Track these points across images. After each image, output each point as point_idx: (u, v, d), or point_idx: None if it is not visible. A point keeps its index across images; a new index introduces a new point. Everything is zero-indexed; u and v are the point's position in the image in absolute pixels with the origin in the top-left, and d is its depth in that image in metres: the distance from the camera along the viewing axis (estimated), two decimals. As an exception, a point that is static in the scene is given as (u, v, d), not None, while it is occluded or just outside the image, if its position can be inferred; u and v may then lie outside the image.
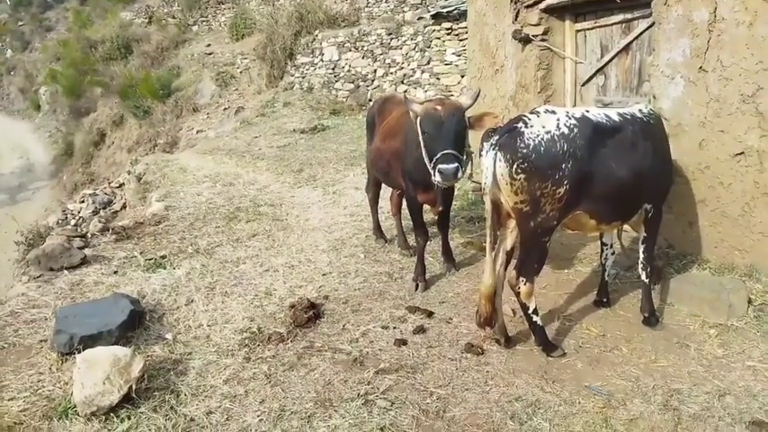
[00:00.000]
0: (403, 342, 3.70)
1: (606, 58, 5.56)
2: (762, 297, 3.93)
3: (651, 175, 3.56)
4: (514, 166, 3.23)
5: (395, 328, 3.92)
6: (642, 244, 3.87)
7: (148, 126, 17.99)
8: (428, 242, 4.85)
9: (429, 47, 12.44)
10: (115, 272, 4.88)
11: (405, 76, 13.29)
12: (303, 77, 15.54)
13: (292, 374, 3.39)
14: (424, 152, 4.02)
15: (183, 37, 22.59)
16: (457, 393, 3.17)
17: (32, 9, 40.49)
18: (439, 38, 11.82)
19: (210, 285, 4.65)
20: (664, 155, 3.78)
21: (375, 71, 13.99)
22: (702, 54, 4.31)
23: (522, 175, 3.22)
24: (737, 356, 3.43)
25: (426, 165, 4.00)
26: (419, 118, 4.06)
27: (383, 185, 5.61)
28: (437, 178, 3.90)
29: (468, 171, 4.24)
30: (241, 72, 18.18)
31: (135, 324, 3.83)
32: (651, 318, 3.85)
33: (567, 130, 3.26)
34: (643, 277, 3.88)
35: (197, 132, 15.76)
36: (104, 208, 9.38)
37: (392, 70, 13.60)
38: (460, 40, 11.14)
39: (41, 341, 3.71)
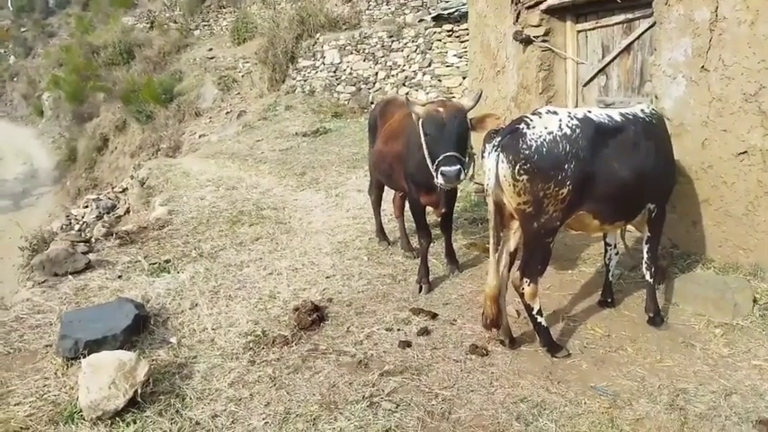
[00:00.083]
0: (407, 344, 3.70)
1: (608, 59, 5.56)
2: (767, 296, 3.92)
3: (654, 174, 3.55)
4: (517, 168, 3.23)
5: (399, 330, 3.92)
6: (646, 244, 3.87)
7: (151, 131, 18.05)
8: (431, 244, 4.86)
9: (430, 49, 12.45)
10: (119, 276, 4.89)
11: (406, 78, 13.30)
12: (305, 81, 15.57)
13: (297, 377, 3.39)
14: (426, 154, 4.03)
15: (184, 41, 22.68)
16: (462, 395, 3.17)
17: (35, 15, 40.71)
18: (440, 40, 11.82)
19: (214, 289, 4.65)
20: (666, 155, 3.78)
21: (376, 74, 14.01)
22: (704, 53, 4.31)
23: (525, 177, 3.22)
24: (743, 355, 3.42)
25: (429, 167, 4.01)
26: (421, 120, 4.06)
27: (386, 188, 5.62)
28: (440, 180, 3.90)
29: (471, 172, 4.24)
30: (243, 76, 18.23)
31: (140, 328, 3.84)
32: (656, 317, 3.84)
33: (569, 131, 3.26)
34: (647, 277, 3.88)
35: (199, 137, 15.80)
36: (108, 213, 9.40)
37: (393, 73, 13.62)
38: (461, 42, 11.14)
39: (47, 346, 3.71)
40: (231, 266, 5.16)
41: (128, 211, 8.93)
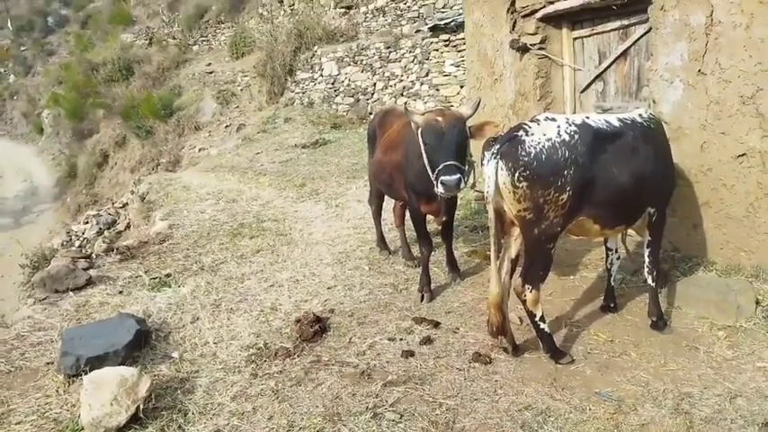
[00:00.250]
0: (410, 353, 3.68)
1: (604, 65, 5.58)
2: (770, 298, 3.90)
3: (653, 179, 3.55)
4: (516, 175, 3.23)
5: (401, 339, 3.90)
6: (647, 248, 3.86)
7: (151, 146, 18.11)
8: (432, 252, 4.85)
9: (427, 59, 12.52)
10: (120, 292, 4.89)
11: (404, 88, 13.35)
12: (303, 93, 15.64)
13: (300, 389, 3.37)
14: (426, 163, 4.03)
15: (183, 57, 22.82)
16: (466, 404, 3.15)
17: (34, 34, 41.03)
18: (437, 50, 11.89)
19: (216, 302, 4.64)
20: (665, 158, 3.78)
21: (374, 84, 14.07)
22: (700, 57, 4.33)
23: (525, 183, 3.22)
24: (747, 358, 3.40)
25: (429, 175, 4.01)
26: (420, 129, 4.07)
27: (386, 197, 5.62)
28: (440, 190, 3.91)
29: (471, 180, 4.24)
30: (242, 89, 18.32)
31: (141, 344, 3.83)
32: (659, 321, 3.82)
33: (567, 137, 3.27)
34: (649, 281, 3.87)
35: (199, 150, 15.85)
36: (108, 228, 9.41)
37: (391, 83, 13.68)
38: (459, 51, 11.20)
39: (48, 363, 3.70)
40: (232, 279, 5.16)
41: (128, 227, 8.93)
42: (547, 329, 3.54)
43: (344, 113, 14.55)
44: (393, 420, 3.02)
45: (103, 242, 6.89)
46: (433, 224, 5.16)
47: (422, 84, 12.91)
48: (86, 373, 3.23)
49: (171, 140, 17.61)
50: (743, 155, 4.17)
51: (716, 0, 4.15)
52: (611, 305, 4.13)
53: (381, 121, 5.40)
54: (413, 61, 13.18)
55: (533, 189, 3.22)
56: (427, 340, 3.84)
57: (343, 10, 16.68)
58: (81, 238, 9.55)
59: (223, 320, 4.31)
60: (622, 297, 4.29)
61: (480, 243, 5.60)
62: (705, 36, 4.27)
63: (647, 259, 3.87)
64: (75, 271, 5.03)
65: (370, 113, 13.23)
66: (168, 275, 5.24)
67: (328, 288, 4.88)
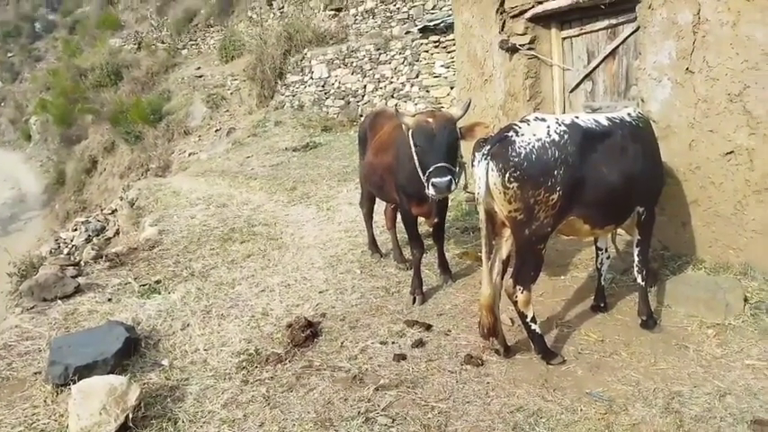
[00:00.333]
0: (402, 357, 3.66)
1: (593, 64, 5.59)
2: (758, 295, 3.92)
3: (642, 177, 3.56)
4: (507, 175, 3.23)
5: (393, 342, 3.89)
6: (636, 247, 3.87)
7: (140, 151, 18.00)
8: (424, 254, 4.84)
9: (417, 60, 12.52)
10: (109, 299, 4.84)
11: (394, 90, 13.35)
12: (293, 96, 15.61)
13: (291, 395, 3.35)
14: (417, 165, 4.02)
15: (172, 61, 22.70)
16: (458, 406, 3.14)
17: (21, 40, 40.74)
18: (427, 51, 11.90)
19: (206, 308, 4.61)
20: (654, 157, 3.80)
21: (365, 87, 14.06)
22: (688, 55, 4.35)
23: (515, 184, 3.22)
24: (736, 356, 3.41)
25: (420, 177, 4.01)
26: (411, 131, 4.06)
27: (377, 200, 5.60)
28: (430, 191, 3.90)
29: (462, 182, 4.24)
30: (231, 93, 18.25)
31: (130, 351, 3.79)
32: (649, 320, 3.83)
33: (557, 137, 3.27)
34: (639, 280, 3.88)
35: (189, 155, 15.77)
36: (97, 235, 9.33)
37: (382, 85, 13.68)
38: (448, 53, 11.21)
39: (35, 373, 3.65)
40: (223, 285, 5.12)
41: (117, 233, 8.86)
42: (538, 330, 3.54)
43: (335, 116, 14.53)
44: (385, 425, 3.01)
45: (92, 249, 6.84)
46: (424, 226, 5.15)
47: (412, 85, 12.92)
48: (75, 383, 3.19)
49: (160, 145, 17.50)
50: (731, 152, 4.19)
51: (702, -1, 4.18)
52: (602, 305, 4.14)
53: (372, 124, 5.39)
54: (403, 63, 13.19)
55: (524, 189, 3.22)
56: (419, 343, 3.83)
57: (332, 12, 16.66)
58: (69, 246, 9.46)
59: (214, 327, 4.28)
60: (612, 296, 4.29)
61: (472, 245, 5.60)
62: (693, 34, 4.29)
63: (636, 258, 3.87)
64: (64, 279, 4.98)
65: (361, 116, 13.22)
66: (158, 282, 5.20)
67: (320, 292, 4.85)
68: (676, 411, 2.96)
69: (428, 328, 4.05)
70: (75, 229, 10.03)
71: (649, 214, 3.79)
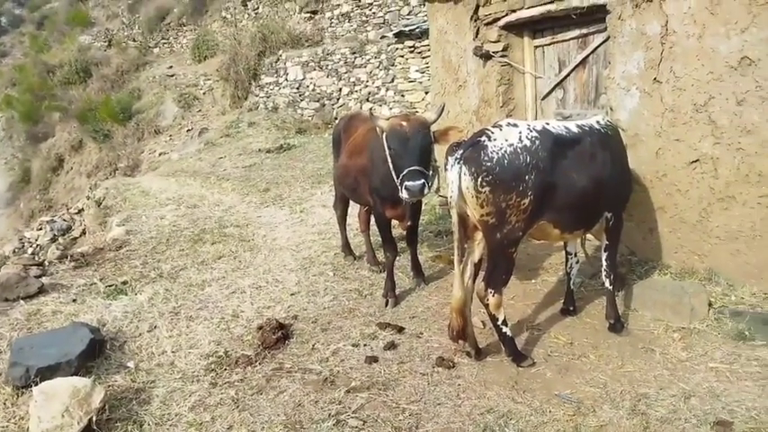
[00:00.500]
0: (374, 359, 3.66)
1: (564, 73, 5.69)
2: (721, 300, 4.03)
3: (610, 184, 3.64)
4: (479, 180, 3.26)
5: (365, 345, 3.88)
6: (605, 252, 3.94)
7: (108, 150, 17.61)
8: (397, 257, 4.84)
9: (393, 65, 12.57)
10: (74, 300, 4.72)
11: (370, 93, 13.38)
12: (268, 97, 15.50)
13: (261, 398, 3.31)
14: (391, 168, 4.03)
15: (143, 59, 22.29)
16: (429, 408, 3.14)
17: (-14, 34, 39.50)
18: (402, 56, 11.95)
19: (174, 310, 4.53)
20: (622, 164, 3.88)
21: (340, 90, 14.06)
22: (656, 66, 4.46)
23: (487, 188, 3.25)
24: (701, 359, 3.50)
25: (393, 180, 4.01)
26: (385, 134, 4.07)
27: (351, 202, 5.60)
28: (404, 195, 3.91)
29: (435, 185, 4.26)
30: (204, 93, 18.02)
31: (95, 353, 3.70)
32: (616, 324, 3.90)
33: (529, 143, 3.31)
34: (607, 284, 3.95)
35: (159, 155, 15.50)
36: (63, 235, 9.10)
37: (357, 88, 13.69)
38: (423, 58, 11.28)
39: (-5, 375, 3.53)
40: (192, 286, 5.04)
41: (83, 233, 8.65)
42: (509, 333, 3.57)
43: (310, 118, 14.48)
44: (356, 427, 2.99)
45: (57, 249, 6.67)
46: (397, 229, 5.16)
47: (387, 89, 12.96)
48: (36, 384, 3.10)
49: (130, 144, 17.16)
50: (696, 161, 4.30)
51: (670, 10, 4.29)
52: (571, 308, 4.20)
53: (346, 126, 5.39)
54: (378, 67, 13.23)
55: (496, 194, 3.25)
56: (391, 345, 3.83)
57: (308, 15, 16.62)
58: (34, 245, 9.19)
59: (182, 328, 4.21)
60: (581, 300, 4.36)
61: (445, 248, 5.63)
62: (661, 45, 4.40)
63: (604, 263, 3.95)
64: (27, 278, 4.84)
65: (336, 118, 13.21)
66: (125, 283, 5.09)
67: (292, 294, 4.82)
68: (643, 413, 3.01)
69: (400, 330, 4.05)
70: (40, 229, 9.76)
71: (617, 220, 3.87)
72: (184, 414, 3.16)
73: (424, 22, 10.37)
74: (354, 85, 13.74)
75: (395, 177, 4.00)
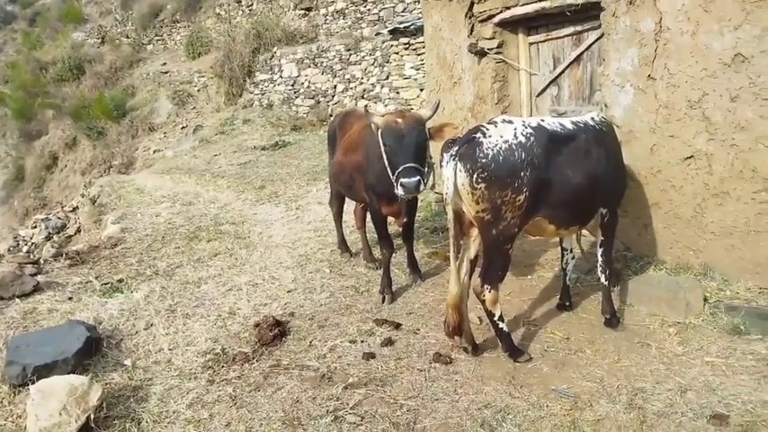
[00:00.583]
0: (371, 355, 3.67)
1: (559, 70, 5.71)
2: (716, 294, 4.05)
3: (605, 180, 3.65)
4: (474, 176, 3.27)
5: (363, 341, 3.89)
6: (600, 248, 3.96)
7: (103, 147, 17.52)
8: (393, 254, 4.85)
9: (388, 62, 12.57)
10: (70, 298, 4.70)
11: (364, 90, 13.37)
12: (263, 94, 15.47)
13: (258, 395, 3.31)
14: (386, 165, 4.04)
15: (137, 56, 22.17)
16: (427, 404, 3.16)
17: (-23, 31, 39.18)
18: (397, 53, 11.96)
19: (171, 308, 4.52)
20: (616, 160, 3.90)
21: (335, 87, 14.05)
22: (650, 63, 4.47)
23: (483, 185, 3.26)
24: (696, 353, 3.52)
25: (389, 177, 4.02)
26: (380, 131, 4.08)
27: (347, 199, 5.60)
28: (399, 191, 3.92)
29: (431, 182, 4.27)
30: (198, 90, 17.95)
31: (92, 351, 3.69)
32: (612, 319, 3.93)
33: (524, 139, 3.32)
34: (602, 280, 3.97)
35: (154, 152, 15.44)
36: (58, 233, 9.07)
37: (352, 85, 13.68)
38: (418, 55, 11.29)
39: (-9, 374, 3.52)
40: (188, 284, 5.04)
41: (78, 231, 8.63)
42: (505, 328, 3.59)
43: (305, 115, 14.46)
44: (354, 423, 3.00)
45: (52, 247, 6.64)
46: (393, 226, 5.17)
47: (382, 86, 12.96)
48: (33, 383, 3.09)
49: (124, 142, 17.08)
50: (690, 157, 4.33)
51: (664, 7, 4.31)
52: (567, 304, 4.22)
53: (342, 123, 5.38)
54: (373, 64, 13.22)
55: (491, 190, 3.26)
56: (388, 342, 3.84)
57: (302, 11, 16.57)
58: (29, 243, 9.16)
59: (178, 326, 4.20)
60: (577, 296, 4.38)
61: (441, 244, 5.64)
62: (654, 42, 4.42)
63: (600, 259, 3.97)
64: (22, 277, 4.82)
65: (331, 115, 13.19)
66: (120, 281, 5.07)
67: (288, 291, 4.82)
68: (639, 407, 3.03)
69: (397, 326, 4.06)
70: (35, 227, 9.72)
71: (612, 216, 3.89)
72: (182, 411, 3.16)
73: (419, 18, 10.38)
74: (349, 82, 13.73)
75: (390, 174, 4.00)
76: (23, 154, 21.97)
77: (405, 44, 11.69)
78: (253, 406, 3.20)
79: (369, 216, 5.08)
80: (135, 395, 3.31)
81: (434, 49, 7.47)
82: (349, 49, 13.72)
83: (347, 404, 3.16)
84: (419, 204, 5.27)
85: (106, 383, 3.36)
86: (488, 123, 3.45)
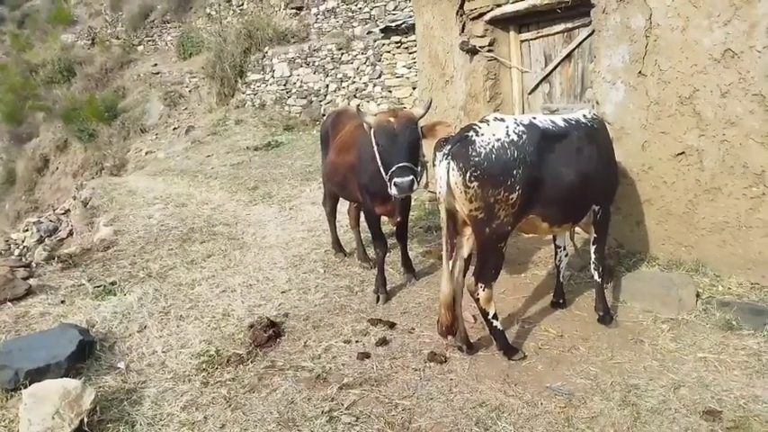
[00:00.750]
0: (366, 355, 3.66)
1: (550, 67, 5.72)
2: (709, 290, 4.08)
3: (597, 177, 3.66)
4: (467, 175, 3.26)
5: (357, 341, 3.88)
6: (593, 245, 3.97)
7: (94, 149, 17.42)
8: (388, 253, 4.85)
9: (380, 60, 12.56)
10: (62, 301, 4.68)
11: (357, 90, 13.36)
12: (255, 94, 15.42)
13: (253, 396, 3.30)
14: (379, 164, 4.03)
15: (127, 57, 22.05)
16: (422, 403, 3.16)
17: (-34, 33, 38.84)
18: (389, 51, 11.94)
19: (164, 310, 4.50)
20: (608, 157, 3.91)
21: (327, 86, 14.02)
22: (641, 59, 4.49)
23: (476, 183, 3.26)
24: (689, 349, 3.54)
25: (382, 176, 4.01)
26: (373, 130, 4.07)
27: (340, 199, 5.59)
28: (393, 191, 3.91)
29: (424, 181, 4.27)
30: (190, 91, 17.87)
31: (85, 355, 3.67)
32: (606, 316, 3.94)
33: (516, 138, 3.32)
34: (596, 277, 3.98)
35: (146, 154, 15.36)
36: (50, 236, 9.00)
37: (344, 85, 13.66)
38: (410, 53, 11.28)
39: (-17, 379, 3.49)
40: (182, 285, 5.02)
41: (70, 234, 8.57)
42: (500, 327, 3.59)
43: (297, 115, 14.43)
44: (349, 423, 3.00)
45: (44, 250, 6.59)
46: (387, 225, 5.17)
47: (374, 85, 12.95)
48: (26, 387, 3.07)
49: (115, 144, 16.98)
50: (681, 153, 4.35)
51: (654, 4, 4.32)
52: (561, 301, 4.23)
53: (334, 123, 5.37)
54: (365, 63, 13.21)
55: (484, 189, 3.26)
56: (383, 341, 3.84)
57: (293, 11, 16.53)
58: (20, 247, 9.09)
59: (172, 328, 4.19)
60: (571, 293, 4.40)
61: (435, 243, 5.64)
62: (645, 38, 4.43)
63: (593, 256, 3.98)
64: (14, 280, 4.80)
65: (323, 115, 13.17)
66: (113, 283, 5.05)
67: (282, 292, 4.81)
68: (633, 404, 3.05)
69: (392, 326, 4.06)
70: (27, 230, 9.65)
71: (605, 213, 3.90)
72: (176, 414, 3.15)
73: (411, 17, 10.37)
74: (341, 81, 13.72)
75: (383, 173, 4.00)
76: (14, 157, 21.81)
77: (396, 43, 11.68)
78: (247, 407, 3.19)
79: (362, 216, 5.07)
80: (129, 398, 3.30)
81: (426, 47, 7.47)
82: (341, 49, 13.70)
83: (342, 404, 3.16)
84: (413, 203, 5.28)
85: (100, 387, 3.35)
86: (481, 122, 3.45)
